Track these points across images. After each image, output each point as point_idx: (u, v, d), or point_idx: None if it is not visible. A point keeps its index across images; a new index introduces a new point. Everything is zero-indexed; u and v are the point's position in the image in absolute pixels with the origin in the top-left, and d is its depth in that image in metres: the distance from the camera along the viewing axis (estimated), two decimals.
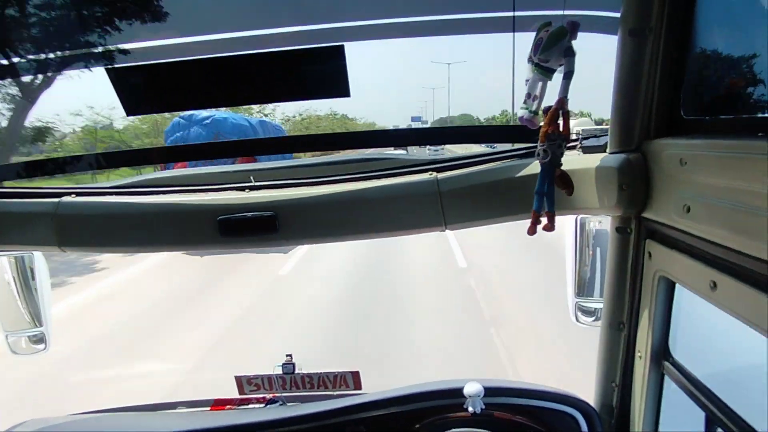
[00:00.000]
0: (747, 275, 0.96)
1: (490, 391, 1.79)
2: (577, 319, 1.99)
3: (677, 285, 1.32)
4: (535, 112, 1.37)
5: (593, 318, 1.93)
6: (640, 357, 1.49)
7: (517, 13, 1.56)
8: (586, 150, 1.50)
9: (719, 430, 1.15)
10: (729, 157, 0.97)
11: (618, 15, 1.28)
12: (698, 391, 1.23)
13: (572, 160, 1.47)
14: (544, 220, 1.37)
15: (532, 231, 1.37)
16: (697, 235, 1.10)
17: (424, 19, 1.59)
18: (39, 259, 2.16)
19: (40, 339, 2.25)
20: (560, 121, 1.30)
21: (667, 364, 1.39)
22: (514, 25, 1.56)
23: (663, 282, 1.35)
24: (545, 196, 1.34)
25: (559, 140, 1.31)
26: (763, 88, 0.99)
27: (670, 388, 1.43)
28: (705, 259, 1.10)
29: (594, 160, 1.43)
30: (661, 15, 1.19)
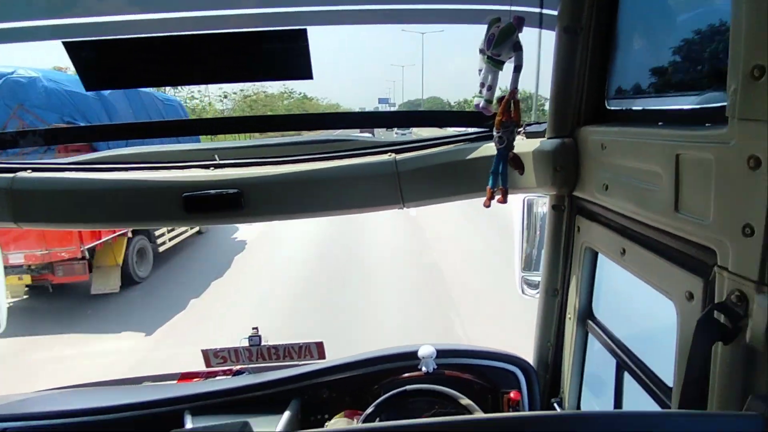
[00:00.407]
0: (647, 242, 1.15)
1: (441, 353, 1.96)
2: (523, 292, 2.18)
3: (599, 254, 1.52)
4: (489, 101, 1.51)
5: (537, 291, 2.14)
6: (570, 318, 1.69)
7: (470, 6, 1.68)
8: (529, 135, 1.67)
9: (626, 373, 1.36)
10: (635, 142, 1.14)
11: (556, 13, 1.44)
12: (612, 343, 1.44)
13: (517, 144, 1.63)
14: (497, 196, 1.54)
15: (487, 204, 1.53)
16: (612, 209, 1.30)
17: (388, 7, 1.67)
18: None
19: None
20: (512, 109, 1.46)
21: (590, 322, 1.60)
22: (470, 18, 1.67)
23: (588, 252, 1.55)
24: (500, 175, 1.50)
25: (512, 126, 1.47)
26: (666, 83, 1.17)
27: (594, 345, 1.64)
28: (617, 229, 1.30)
29: (535, 144, 1.59)
30: (590, 15, 1.35)
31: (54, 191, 1.70)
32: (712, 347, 0.85)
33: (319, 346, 2.22)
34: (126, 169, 1.74)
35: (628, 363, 1.33)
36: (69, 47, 1.54)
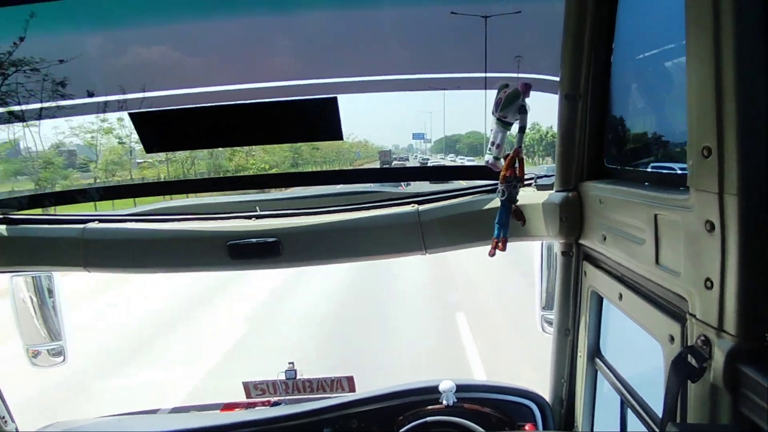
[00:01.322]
0: (638, 289, 1.30)
1: (461, 388, 2.10)
2: (543, 329, 2.29)
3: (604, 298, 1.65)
4: (497, 158, 1.70)
5: None
6: (581, 356, 1.81)
7: (483, 75, 1.88)
8: (539, 188, 1.84)
9: (629, 410, 1.47)
10: (625, 200, 1.30)
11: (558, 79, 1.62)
12: (616, 380, 1.55)
13: (528, 196, 1.81)
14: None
15: (492, 253, 1.70)
16: (610, 257, 1.44)
17: (411, 77, 1.90)
18: (56, 278, 2.35)
19: (58, 352, 2.44)
20: (516, 166, 1.64)
21: (598, 360, 1.71)
22: (486, 84, 1.88)
23: (594, 295, 1.68)
24: (503, 226, 1.67)
25: (515, 182, 1.65)
26: (651, 147, 1.33)
27: (604, 381, 1.75)
28: (615, 276, 1.44)
29: (544, 196, 1.76)
30: (587, 85, 1.53)
31: (118, 240, 1.96)
32: (682, 385, 0.98)
33: (350, 380, 2.38)
34: (180, 220, 1.99)
35: (629, 399, 1.44)
36: (133, 117, 1.82)
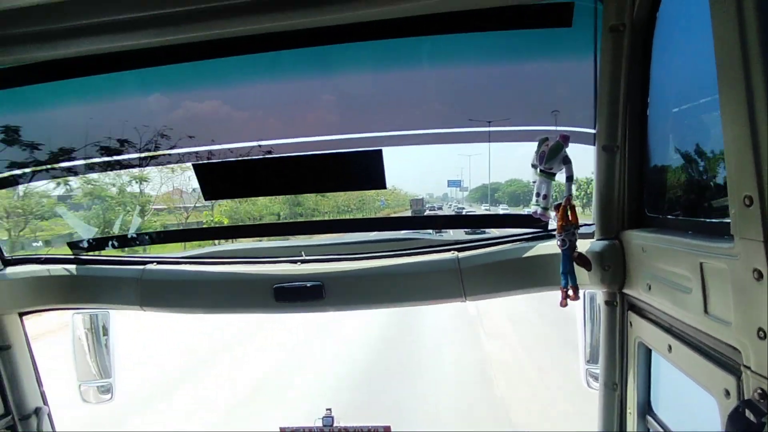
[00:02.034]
0: (688, 340, 1.26)
1: None
2: (588, 384, 2.20)
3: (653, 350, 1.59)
4: (545, 208, 1.74)
5: None
6: (630, 413, 1.72)
7: (523, 128, 1.96)
8: (579, 236, 1.84)
9: None
10: (668, 248, 1.29)
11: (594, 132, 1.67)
12: None
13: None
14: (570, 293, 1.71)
15: (564, 304, 1.70)
16: (657, 307, 1.41)
17: (453, 130, 2.00)
18: (111, 317, 2.49)
19: (107, 389, 2.53)
20: (569, 214, 1.67)
21: (650, 418, 1.63)
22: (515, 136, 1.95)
23: (642, 347, 1.63)
24: (568, 274, 1.68)
25: (572, 229, 1.68)
26: (694, 196, 1.33)
27: None
28: (663, 327, 1.40)
29: (585, 245, 1.76)
30: (624, 136, 1.57)
31: (173, 281, 2.08)
32: None
33: (386, 430, 2.33)
34: (229, 263, 2.10)
35: None
36: (196, 168, 1.99)
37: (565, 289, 1.68)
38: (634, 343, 1.65)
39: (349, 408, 6.03)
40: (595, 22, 1.54)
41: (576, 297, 1.69)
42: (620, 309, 1.73)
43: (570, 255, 1.69)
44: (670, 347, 1.35)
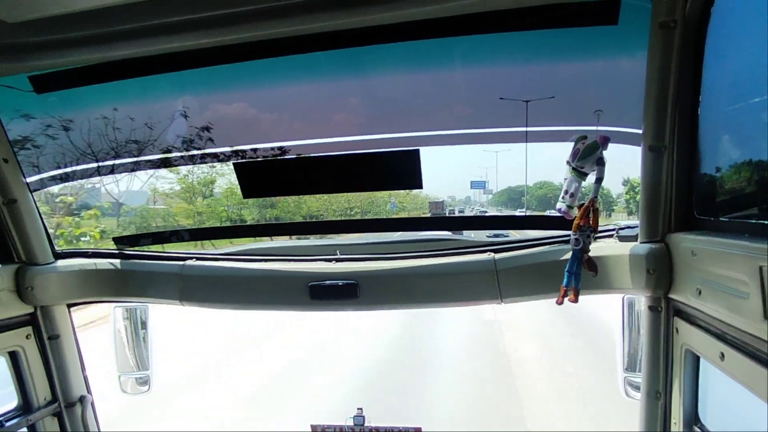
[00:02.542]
0: (745, 348, 1.20)
1: None
2: (627, 394, 2.13)
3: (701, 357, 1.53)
4: (570, 206, 1.70)
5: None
6: (675, 424, 1.66)
7: (561, 128, 1.93)
8: (622, 238, 1.79)
9: None
10: (722, 252, 1.24)
11: (641, 132, 1.62)
12: None
13: (609, 247, 1.76)
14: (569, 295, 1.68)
15: (560, 302, 1.68)
16: (708, 313, 1.35)
17: (490, 130, 1.98)
18: (150, 311, 2.56)
19: (144, 381, 2.61)
20: (590, 216, 1.63)
21: (697, 429, 1.56)
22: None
23: (689, 354, 1.56)
24: (573, 275, 1.64)
25: (588, 231, 1.64)
26: (749, 196, 1.27)
27: None
28: (714, 333, 1.34)
29: (628, 247, 1.71)
30: (672, 136, 1.51)
31: (212, 277, 2.13)
32: None
33: (417, 431, 2.31)
34: (267, 260, 2.13)
35: None
36: (236, 167, 2.03)
37: (566, 289, 1.66)
38: (681, 350, 1.59)
39: (378, 408, 6.09)
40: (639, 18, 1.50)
41: (575, 299, 1.67)
42: (665, 315, 1.67)
43: (580, 256, 1.67)
44: (722, 355, 1.29)
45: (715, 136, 1.45)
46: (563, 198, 1.72)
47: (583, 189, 1.70)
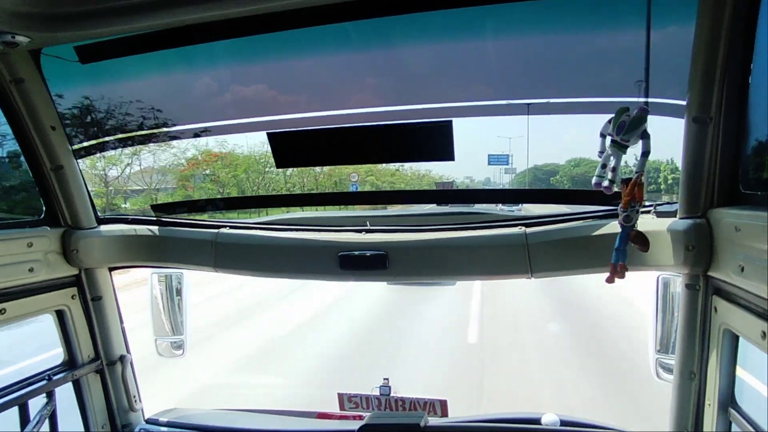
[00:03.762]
0: None
1: (565, 423, 1.96)
2: (658, 376, 2.09)
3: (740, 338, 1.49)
4: (612, 181, 1.65)
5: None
6: (710, 405, 1.62)
7: (602, 99, 1.87)
8: (660, 214, 1.74)
9: None
10: None
11: (684, 103, 1.56)
12: None
13: (647, 223, 1.72)
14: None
15: (611, 280, 1.63)
16: (751, 291, 1.31)
17: (520, 101, 1.94)
18: (185, 278, 2.64)
19: (179, 345, 2.71)
20: (636, 190, 1.59)
21: (733, 411, 1.53)
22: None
23: (728, 334, 1.52)
24: (620, 251, 1.61)
25: (637, 206, 1.60)
26: None
27: None
28: (757, 312, 1.30)
29: (666, 223, 1.66)
30: (719, 107, 1.45)
31: (245, 245, 2.18)
32: None
33: (443, 403, 2.34)
34: (298, 230, 2.17)
35: None
36: (270, 136, 2.05)
37: (614, 266, 1.62)
38: (719, 329, 1.55)
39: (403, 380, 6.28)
40: None
41: (623, 275, 1.63)
42: (703, 293, 1.63)
43: (629, 232, 1.62)
44: (764, 334, 1.25)
45: (766, 107, 1.39)
46: (602, 173, 1.67)
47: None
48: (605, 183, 1.66)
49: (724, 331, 1.53)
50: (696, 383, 1.71)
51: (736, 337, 1.52)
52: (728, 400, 1.57)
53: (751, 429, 1.43)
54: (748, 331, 1.36)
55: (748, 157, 1.43)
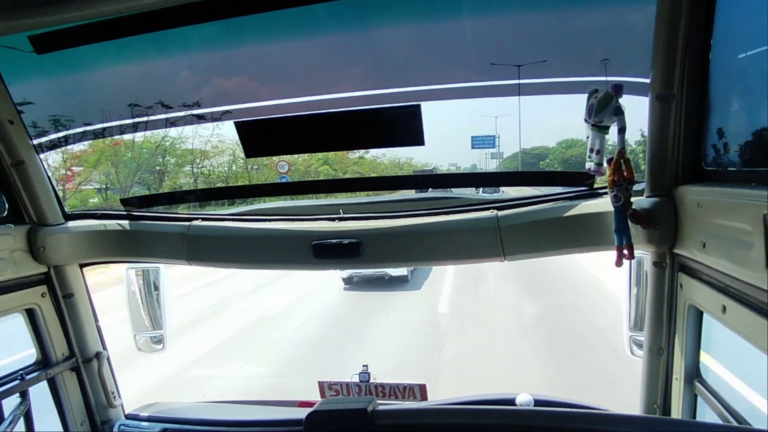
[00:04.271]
0: (749, 301, 1.18)
1: (539, 403, 2.00)
2: (632, 352, 2.13)
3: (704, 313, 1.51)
4: (599, 164, 1.66)
5: None
6: (677, 379, 1.66)
7: (568, 79, 1.87)
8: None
9: None
10: (728, 201, 1.20)
11: (648, 81, 1.56)
12: (721, 406, 1.40)
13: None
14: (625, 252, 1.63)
15: (619, 263, 1.64)
16: (711, 266, 1.33)
17: (493, 83, 1.92)
18: (162, 272, 2.61)
19: (159, 340, 2.69)
20: (623, 168, 1.58)
21: (698, 384, 1.56)
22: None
23: (692, 310, 1.55)
24: (622, 233, 1.61)
25: (625, 184, 1.59)
26: (761, 147, 1.22)
27: (705, 408, 1.58)
28: (716, 287, 1.32)
29: (633, 202, 1.67)
30: (682, 84, 1.45)
31: (217, 237, 2.16)
32: None
33: (422, 388, 2.37)
34: (271, 220, 2.15)
35: (735, 426, 1.30)
36: (238, 126, 2.01)
37: (620, 248, 1.61)
38: (684, 305, 1.58)
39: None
40: None
41: (632, 256, 1.61)
42: (670, 270, 1.65)
43: (624, 212, 1.60)
44: (724, 308, 1.27)
45: (727, 85, 1.39)
46: (590, 157, 1.67)
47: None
48: (593, 167, 1.66)
49: (689, 307, 1.56)
50: (664, 358, 1.74)
51: (701, 313, 1.54)
52: (694, 374, 1.60)
53: (713, 400, 1.47)
54: (710, 305, 1.38)
55: (710, 134, 1.44)
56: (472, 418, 1.37)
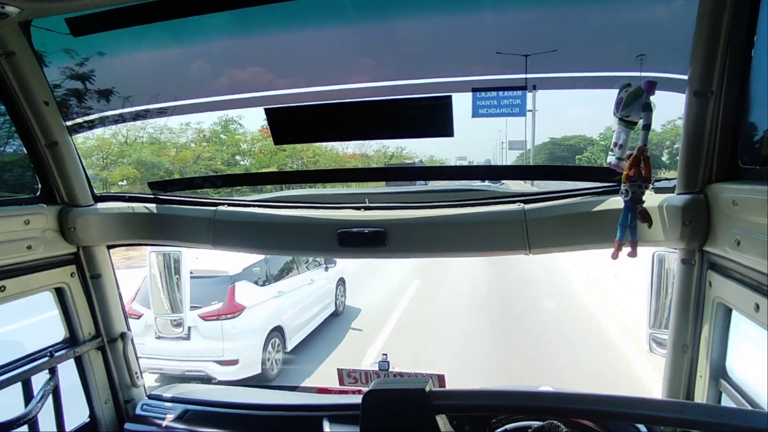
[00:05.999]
0: None
1: None
2: (651, 350, 2.13)
3: (734, 311, 1.51)
4: (620, 158, 1.65)
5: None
6: (701, 376, 1.66)
7: (606, 74, 1.86)
8: (658, 190, 1.75)
9: None
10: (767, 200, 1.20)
11: (686, 77, 1.55)
12: (749, 405, 1.40)
13: (645, 198, 1.72)
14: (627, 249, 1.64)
15: (615, 256, 1.64)
16: (745, 264, 1.33)
17: (521, 76, 1.92)
18: (182, 256, 2.64)
19: (179, 323, 2.74)
20: (641, 166, 1.58)
21: (724, 382, 1.56)
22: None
23: (721, 308, 1.55)
24: (628, 228, 1.61)
25: (639, 181, 1.59)
26: None
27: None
28: (750, 285, 1.32)
29: (663, 199, 1.67)
30: (721, 81, 1.44)
31: (243, 222, 2.18)
32: None
33: (441, 378, 2.38)
34: (297, 207, 2.17)
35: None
36: (268, 112, 2.03)
37: (620, 242, 1.61)
38: (712, 303, 1.58)
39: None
40: None
41: (634, 254, 1.62)
42: (699, 268, 1.65)
43: (632, 207, 1.60)
44: (757, 306, 1.28)
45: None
46: (612, 150, 1.67)
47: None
48: (614, 161, 1.66)
49: (717, 304, 1.56)
50: (688, 356, 1.74)
51: (729, 311, 1.54)
52: (720, 372, 1.60)
53: (740, 398, 1.47)
54: (742, 304, 1.38)
55: (748, 131, 1.44)
56: (525, 401, 1.40)
